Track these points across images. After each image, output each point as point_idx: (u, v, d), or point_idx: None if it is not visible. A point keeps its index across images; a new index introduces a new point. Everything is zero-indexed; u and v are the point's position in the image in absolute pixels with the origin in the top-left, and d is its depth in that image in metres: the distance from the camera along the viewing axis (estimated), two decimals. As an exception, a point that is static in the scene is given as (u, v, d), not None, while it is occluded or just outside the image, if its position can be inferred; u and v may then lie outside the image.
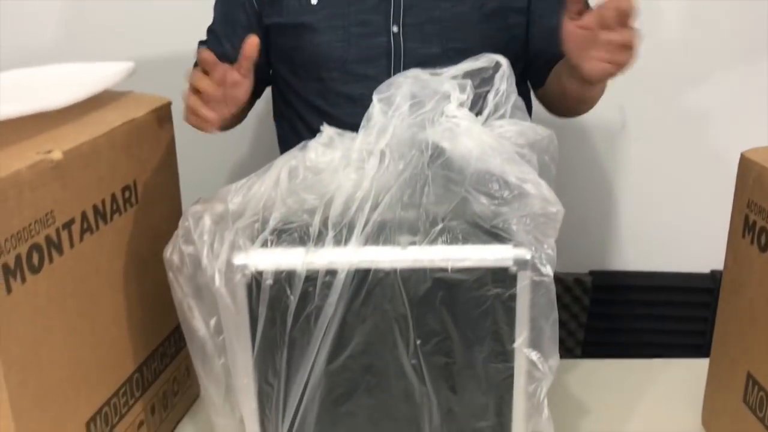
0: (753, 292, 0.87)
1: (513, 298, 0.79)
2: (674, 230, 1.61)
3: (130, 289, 0.87)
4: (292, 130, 1.12)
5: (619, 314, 1.64)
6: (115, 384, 0.84)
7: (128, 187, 0.85)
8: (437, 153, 0.84)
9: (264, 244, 0.79)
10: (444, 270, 0.78)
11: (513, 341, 0.80)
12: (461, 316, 0.80)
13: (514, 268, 0.77)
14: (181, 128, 0.97)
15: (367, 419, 0.84)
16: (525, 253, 0.78)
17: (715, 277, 1.60)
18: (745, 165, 0.88)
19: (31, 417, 0.70)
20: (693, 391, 1.04)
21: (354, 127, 0.99)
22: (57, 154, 0.70)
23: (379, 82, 0.99)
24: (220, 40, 1.10)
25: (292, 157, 0.86)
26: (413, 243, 0.80)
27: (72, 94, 0.80)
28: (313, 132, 1.02)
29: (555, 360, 0.82)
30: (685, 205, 1.59)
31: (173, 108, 0.93)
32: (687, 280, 1.61)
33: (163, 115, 0.91)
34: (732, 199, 0.91)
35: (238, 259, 0.78)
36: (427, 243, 0.79)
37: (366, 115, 0.86)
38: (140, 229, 0.88)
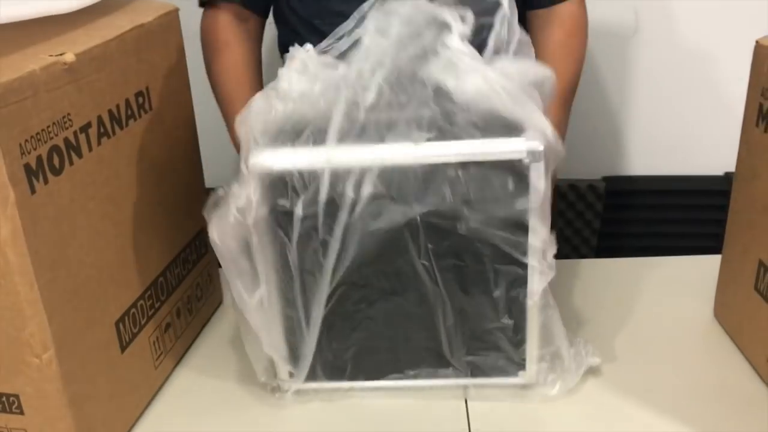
0: (766, 181, 0.87)
1: (526, 187, 0.79)
2: (687, 133, 1.60)
3: (149, 194, 0.88)
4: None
5: (633, 219, 1.65)
6: (141, 286, 0.87)
7: (141, 93, 0.85)
8: (438, 90, 0.82)
9: (273, 144, 0.79)
10: (459, 164, 0.79)
11: (526, 237, 0.81)
12: (474, 211, 0.81)
13: (527, 160, 0.78)
14: (189, 37, 0.97)
15: (384, 322, 0.87)
16: (537, 145, 0.78)
17: (729, 179, 1.60)
18: (760, 52, 0.87)
19: (63, 314, 0.72)
20: (705, 286, 1.06)
21: None
22: (70, 56, 0.70)
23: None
24: None
25: (266, 94, 0.81)
26: (428, 139, 0.80)
27: (80, -1, 0.80)
28: None
29: (554, 250, 0.83)
30: (698, 107, 1.58)
31: (180, 15, 0.93)
32: (700, 183, 1.61)
33: (171, 21, 0.91)
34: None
35: (253, 157, 0.79)
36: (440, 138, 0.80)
37: (358, 39, 0.82)
38: (155, 135, 0.89)
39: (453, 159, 0.79)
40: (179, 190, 0.96)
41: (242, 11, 1.05)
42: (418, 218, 0.80)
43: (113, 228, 0.81)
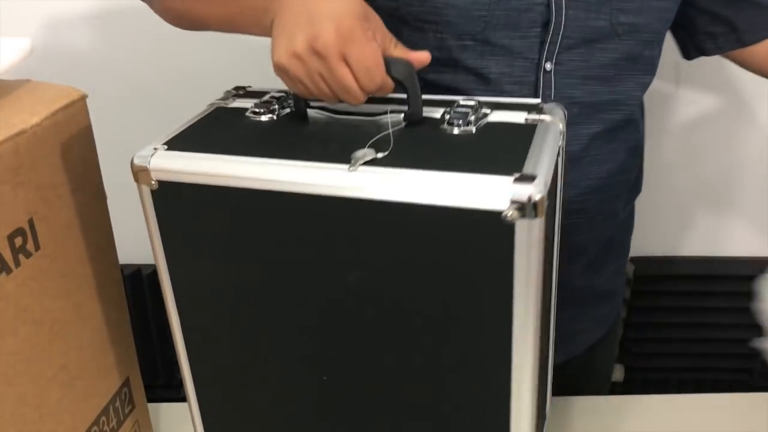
0: None
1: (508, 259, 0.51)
2: (729, 208, 1.35)
3: (42, 377, 0.62)
4: None
5: (667, 307, 1.40)
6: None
7: (20, 231, 0.58)
8: None
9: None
10: (408, 206, 0.52)
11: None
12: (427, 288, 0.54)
13: (511, 215, 0.50)
14: (105, 127, 0.70)
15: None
16: (533, 191, 0.49)
17: (778, 262, 1.35)
18: None
19: None
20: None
21: None
22: None
23: (525, 59, 0.72)
24: None
25: None
26: (369, 162, 0.54)
27: None
28: None
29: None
30: (741, 177, 1.33)
31: (90, 101, 0.66)
32: (744, 267, 1.37)
33: (74, 115, 0.64)
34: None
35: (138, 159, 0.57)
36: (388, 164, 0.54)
37: None
38: (48, 283, 0.62)
39: (396, 197, 0.52)
40: (91, 344, 0.70)
41: None
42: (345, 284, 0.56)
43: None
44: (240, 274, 0.59)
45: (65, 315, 0.65)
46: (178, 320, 0.64)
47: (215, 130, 0.62)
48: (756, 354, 1.43)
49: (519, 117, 0.60)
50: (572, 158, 0.67)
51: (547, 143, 0.55)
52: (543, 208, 0.50)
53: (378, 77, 0.57)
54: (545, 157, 0.53)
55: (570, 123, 0.75)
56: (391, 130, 0.58)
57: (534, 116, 0.60)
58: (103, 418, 0.72)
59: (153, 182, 0.57)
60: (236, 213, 0.56)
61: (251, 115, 0.64)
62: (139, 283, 1.48)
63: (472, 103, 0.61)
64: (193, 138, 0.60)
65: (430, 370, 0.57)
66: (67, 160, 0.63)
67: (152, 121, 1.32)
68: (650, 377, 1.47)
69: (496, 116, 0.61)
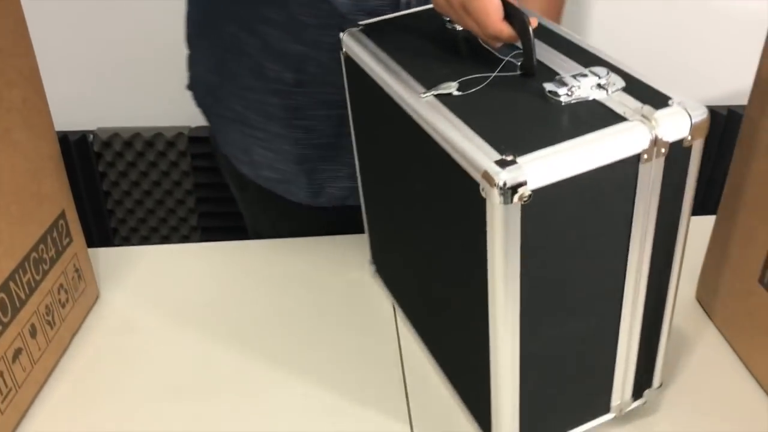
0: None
1: (482, 234, 0.52)
2: (686, 64, 1.40)
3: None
4: None
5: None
6: (-34, 316, 0.63)
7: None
8: None
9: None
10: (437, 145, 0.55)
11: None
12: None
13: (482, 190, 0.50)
14: None
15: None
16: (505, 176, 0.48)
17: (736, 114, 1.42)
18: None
19: None
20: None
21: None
22: None
23: None
24: None
25: None
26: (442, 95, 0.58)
27: None
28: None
29: None
30: (699, 34, 1.38)
31: None
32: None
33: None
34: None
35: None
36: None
37: None
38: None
39: (432, 133, 0.56)
40: (24, 171, 0.71)
41: None
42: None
43: None
44: (374, 137, 0.72)
45: (-6, 138, 0.66)
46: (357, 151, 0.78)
47: (407, 28, 0.69)
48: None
49: (628, 105, 0.53)
50: None
51: (597, 141, 0.50)
52: (520, 197, 0.48)
53: (489, 28, 0.59)
54: (570, 153, 0.49)
55: None
56: (494, 74, 0.59)
57: (643, 110, 0.52)
58: (42, 246, 0.74)
59: (343, 52, 0.69)
60: (371, 93, 0.66)
61: (448, 24, 0.69)
62: (66, 150, 1.46)
63: (601, 74, 0.56)
64: (384, 27, 0.70)
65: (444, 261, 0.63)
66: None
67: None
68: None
69: (612, 97, 0.55)
